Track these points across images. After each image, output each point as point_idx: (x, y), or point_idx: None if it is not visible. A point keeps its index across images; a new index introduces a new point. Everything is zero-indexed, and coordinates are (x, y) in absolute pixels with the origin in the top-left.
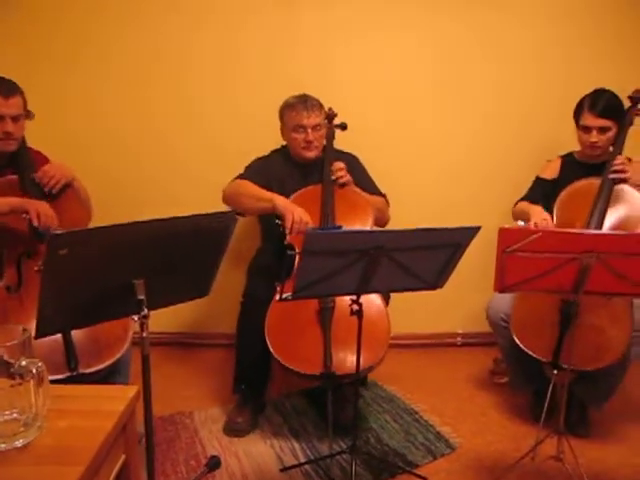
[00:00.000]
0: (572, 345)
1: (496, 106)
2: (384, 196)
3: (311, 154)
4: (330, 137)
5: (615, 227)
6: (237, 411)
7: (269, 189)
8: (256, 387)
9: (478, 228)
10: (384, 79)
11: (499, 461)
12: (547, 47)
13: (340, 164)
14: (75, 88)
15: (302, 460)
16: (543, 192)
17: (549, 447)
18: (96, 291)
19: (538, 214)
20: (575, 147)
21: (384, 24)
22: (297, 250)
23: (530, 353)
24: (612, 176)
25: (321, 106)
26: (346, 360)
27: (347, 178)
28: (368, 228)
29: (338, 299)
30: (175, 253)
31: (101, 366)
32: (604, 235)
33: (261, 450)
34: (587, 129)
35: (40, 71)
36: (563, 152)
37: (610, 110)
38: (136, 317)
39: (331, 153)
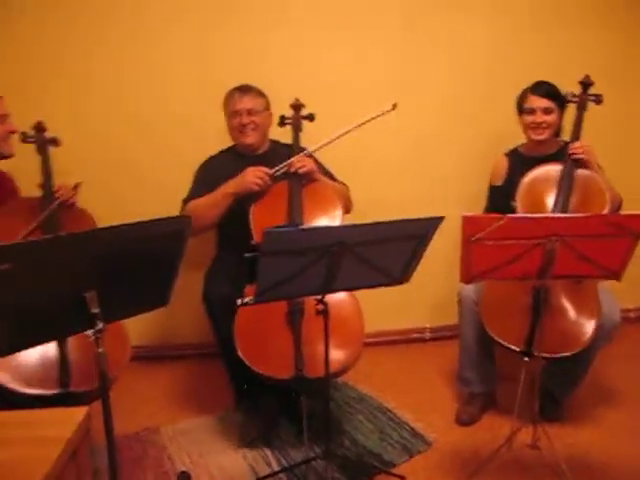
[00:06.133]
0: (544, 331)
1: (453, 101)
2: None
3: (248, 139)
4: (296, 128)
5: (579, 211)
6: (250, 420)
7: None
8: (261, 387)
9: (441, 218)
10: (347, 77)
11: (476, 453)
12: (498, 41)
13: (298, 157)
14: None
15: (276, 469)
16: (500, 198)
17: (525, 436)
18: (44, 308)
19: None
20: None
21: (342, 19)
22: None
23: (501, 342)
24: (573, 157)
25: (259, 92)
26: (319, 363)
27: (309, 167)
28: (337, 222)
29: (307, 299)
30: (128, 262)
31: (93, 387)
32: (565, 218)
33: (233, 462)
34: (532, 111)
35: (24, 75)
36: (513, 144)
37: (552, 93)
38: (90, 332)
39: (297, 145)
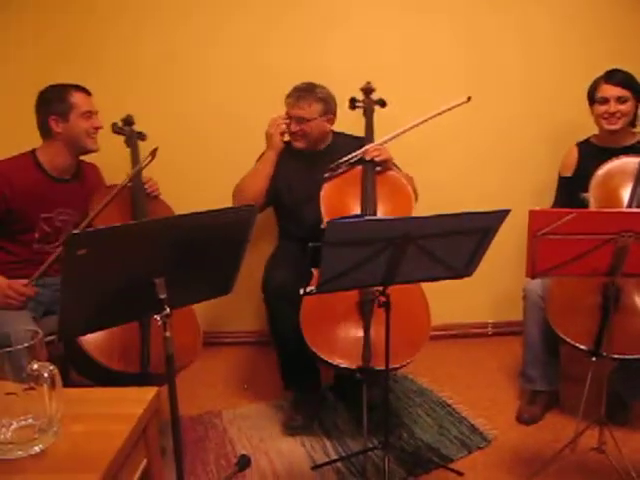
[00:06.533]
0: (614, 331)
1: (523, 90)
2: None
3: (296, 144)
4: (369, 113)
5: None
6: (294, 408)
7: (273, 185)
8: (307, 380)
9: (507, 211)
10: (415, 63)
11: (538, 454)
12: (568, 31)
13: (374, 144)
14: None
15: (333, 457)
16: (570, 189)
17: (589, 439)
18: (117, 291)
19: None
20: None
21: (419, 7)
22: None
23: (568, 340)
24: None
25: (317, 97)
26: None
27: (385, 156)
28: (411, 213)
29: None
30: (196, 250)
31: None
32: None
33: (291, 448)
34: (605, 100)
35: (60, 73)
36: (584, 134)
37: (627, 81)
38: (158, 317)
39: (370, 132)
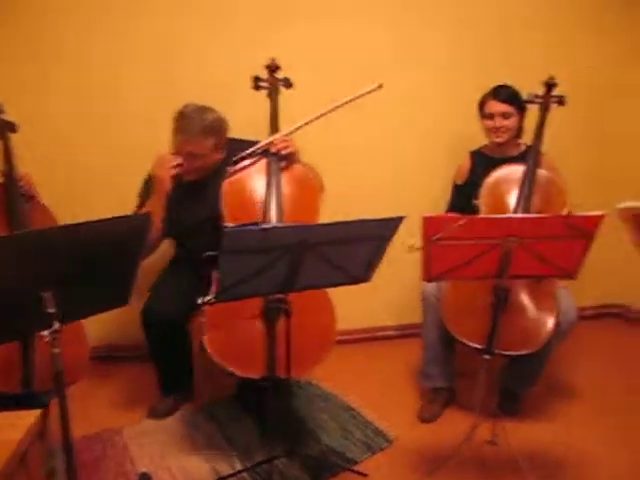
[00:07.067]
0: (504, 330)
1: (419, 97)
2: None
3: (189, 177)
4: (274, 95)
5: (540, 211)
6: (159, 399)
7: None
8: (178, 381)
9: (401, 218)
10: (326, 53)
11: (438, 450)
12: (461, 49)
13: (281, 135)
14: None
15: (239, 468)
16: (463, 196)
17: (485, 431)
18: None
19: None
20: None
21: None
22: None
23: (463, 341)
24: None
25: (207, 132)
26: (292, 362)
27: (292, 148)
28: (319, 210)
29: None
30: (87, 260)
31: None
32: (522, 219)
33: (195, 463)
34: (491, 116)
35: None
36: (477, 144)
37: (511, 97)
38: (47, 332)
39: (275, 117)
